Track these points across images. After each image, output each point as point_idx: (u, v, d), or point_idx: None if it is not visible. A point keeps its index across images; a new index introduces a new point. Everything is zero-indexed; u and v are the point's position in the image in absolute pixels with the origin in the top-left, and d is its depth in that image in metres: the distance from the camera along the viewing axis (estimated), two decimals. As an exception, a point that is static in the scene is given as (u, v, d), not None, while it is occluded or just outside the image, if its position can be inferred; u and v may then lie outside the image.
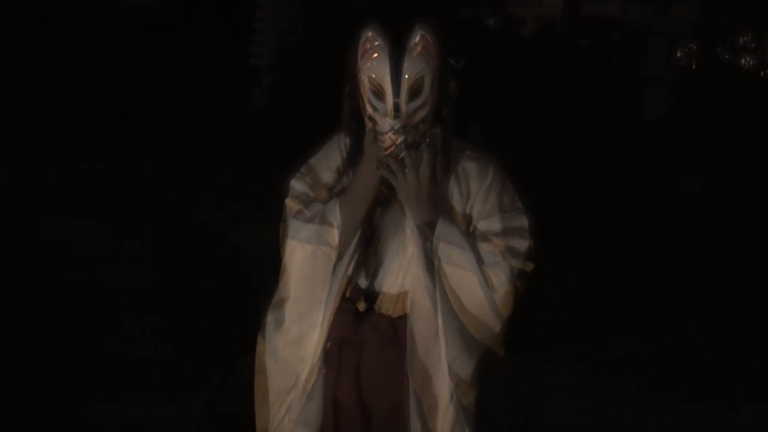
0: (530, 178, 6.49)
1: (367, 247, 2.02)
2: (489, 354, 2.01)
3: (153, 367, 4.13)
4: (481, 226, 2.01)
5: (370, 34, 1.92)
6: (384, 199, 2.02)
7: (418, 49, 1.91)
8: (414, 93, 1.91)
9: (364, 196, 1.99)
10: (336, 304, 2.03)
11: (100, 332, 4.52)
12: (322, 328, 2.04)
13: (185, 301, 5.01)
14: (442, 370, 1.97)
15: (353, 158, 2.04)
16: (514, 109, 9.52)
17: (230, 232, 6.47)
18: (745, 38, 11.96)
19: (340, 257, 2.02)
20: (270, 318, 2.09)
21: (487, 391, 2.03)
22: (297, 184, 2.08)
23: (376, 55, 1.91)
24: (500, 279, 1.96)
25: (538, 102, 9.54)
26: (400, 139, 1.91)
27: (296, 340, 2.06)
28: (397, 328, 2.02)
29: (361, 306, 2.03)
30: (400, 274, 2.01)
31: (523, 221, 2.03)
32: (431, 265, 1.96)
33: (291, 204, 2.07)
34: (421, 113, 1.93)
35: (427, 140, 1.95)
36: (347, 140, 2.07)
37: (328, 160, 2.09)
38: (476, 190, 2.01)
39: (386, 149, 1.92)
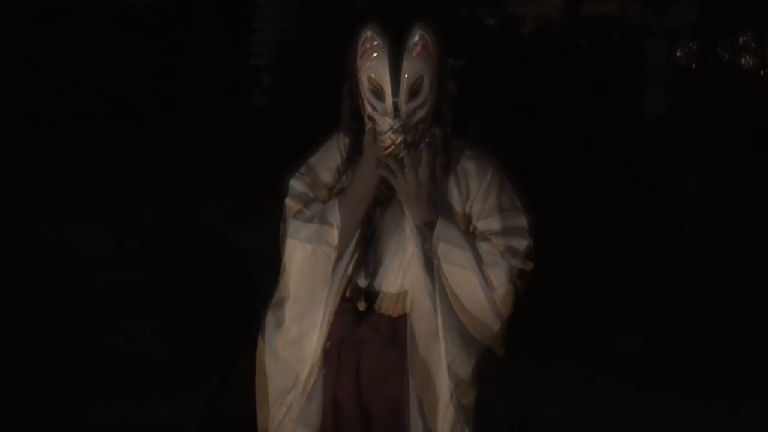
0: (530, 178, 6.50)
1: (367, 246, 2.02)
2: (489, 353, 2.01)
3: (153, 367, 4.13)
4: (481, 225, 2.01)
5: (369, 33, 1.92)
6: (383, 198, 2.01)
7: (418, 48, 1.91)
8: (413, 93, 1.91)
9: (364, 196, 1.99)
10: (336, 304, 2.03)
11: (100, 332, 4.52)
12: (322, 327, 2.04)
13: (185, 301, 5.01)
14: (441, 369, 1.97)
15: (353, 158, 2.04)
16: (513, 108, 9.51)
17: (230, 232, 6.48)
18: (745, 38, 11.95)
19: (339, 257, 2.02)
20: (270, 318, 2.09)
21: (487, 390, 2.03)
22: (296, 184, 2.08)
23: (375, 54, 1.91)
24: (500, 278, 1.96)
25: (537, 102, 9.53)
26: (399, 139, 1.91)
27: (296, 339, 2.05)
28: (396, 328, 2.02)
29: (361, 306, 2.03)
30: (400, 274, 2.01)
31: (522, 221, 2.03)
32: (431, 264, 1.96)
33: (291, 204, 2.07)
34: (421, 113, 1.93)
35: (427, 140, 1.95)
36: (347, 140, 2.07)
37: (328, 160, 2.09)
38: (475, 189, 2.01)
39: (386, 149, 1.92)
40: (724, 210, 7.14)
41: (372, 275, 2.03)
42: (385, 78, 1.90)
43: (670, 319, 5.09)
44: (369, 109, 1.95)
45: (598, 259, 6.21)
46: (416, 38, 1.91)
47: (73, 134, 9.84)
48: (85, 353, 4.22)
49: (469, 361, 1.98)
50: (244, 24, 12.80)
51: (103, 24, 12.30)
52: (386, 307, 2.03)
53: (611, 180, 8.15)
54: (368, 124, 1.97)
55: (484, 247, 1.98)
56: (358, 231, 2.02)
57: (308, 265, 2.03)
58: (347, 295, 2.04)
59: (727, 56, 12.02)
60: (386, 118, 1.91)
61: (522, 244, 2.00)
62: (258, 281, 2.52)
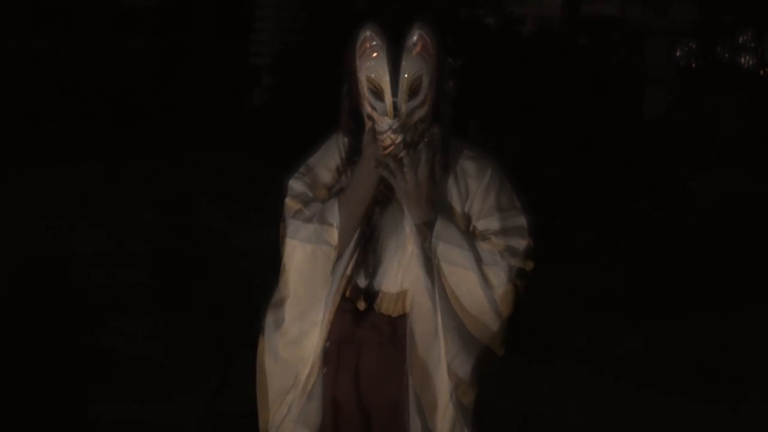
0: (530, 178, 6.50)
1: (367, 246, 2.02)
2: (488, 353, 2.01)
3: (153, 367, 4.13)
4: (480, 225, 2.01)
5: (368, 33, 1.92)
6: (383, 198, 2.01)
7: (417, 48, 1.91)
8: (413, 92, 1.91)
9: (363, 196, 1.99)
10: (335, 304, 2.03)
11: (99, 332, 4.52)
12: (322, 327, 2.03)
13: (185, 300, 5.02)
14: (441, 369, 1.97)
15: (352, 158, 2.04)
16: (513, 108, 9.51)
17: (230, 232, 6.48)
18: (745, 37, 11.93)
19: (339, 256, 2.02)
20: (270, 318, 2.09)
21: (487, 390, 2.03)
22: (296, 184, 2.08)
23: (374, 54, 1.91)
24: (499, 278, 1.96)
25: (537, 101, 9.52)
26: (398, 139, 1.91)
27: (296, 339, 2.05)
28: (396, 328, 2.02)
29: (361, 305, 2.03)
30: (400, 274, 2.01)
31: (522, 220, 2.03)
32: (430, 264, 1.96)
33: (290, 204, 2.07)
34: (420, 112, 1.93)
35: (426, 139, 1.95)
36: (346, 140, 2.07)
37: (327, 160, 2.09)
38: (475, 189, 2.01)
39: (385, 148, 1.92)
40: (724, 210, 7.14)
41: (371, 275, 2.03)
42: (385, 78, 1.90)
43: (670, 319, 5.10)
44: (368, 109, 1.95)
45: (598, 259, 6.21)
46: (415, 38, 1.91)
47: (73, 134, 9.86)
48: (84, 353, 4.22)
49: (469, 361, 1.98)
50: (244, 24, 12.82)
51: (103, 24, 12.31)
52: (386, 306, 2.03)
53: (611, 180, 8.14)
54: (368, 124, 1.97)
55: (483, 246, 1.98)
56: (358, 231, 2.01)
57: (308, 264, 2.03)
58: (347, 294, 2.04)
59: (726, 56, 12.00)
60: (385, 117, 1.91)
61: (521, 243, 2.00)
62: (258, 281, 2.52)
